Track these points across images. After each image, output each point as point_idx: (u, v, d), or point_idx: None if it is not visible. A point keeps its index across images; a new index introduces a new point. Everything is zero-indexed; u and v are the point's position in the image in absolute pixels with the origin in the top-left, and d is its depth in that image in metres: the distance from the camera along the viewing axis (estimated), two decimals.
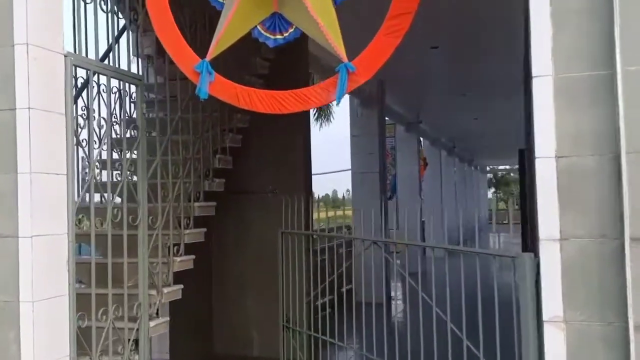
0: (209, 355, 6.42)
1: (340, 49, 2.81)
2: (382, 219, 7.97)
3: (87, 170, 3.20)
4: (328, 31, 2.80)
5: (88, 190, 3.20)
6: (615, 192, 2.20)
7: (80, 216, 3.10)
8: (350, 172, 10.06)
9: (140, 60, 4.07)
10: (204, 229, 4.41)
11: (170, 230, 3.99)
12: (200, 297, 6.14)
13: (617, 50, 2.19)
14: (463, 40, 7.35)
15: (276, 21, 2.92)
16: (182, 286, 4.05)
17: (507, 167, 37.56)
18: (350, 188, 10.17)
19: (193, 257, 4.22)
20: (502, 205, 43.07)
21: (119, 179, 3.44)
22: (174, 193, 4.01)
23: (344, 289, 4.35)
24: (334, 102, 2.87)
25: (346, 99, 9.80)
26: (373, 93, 9.27)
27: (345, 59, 2.81)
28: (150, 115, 4.19)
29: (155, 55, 4.44)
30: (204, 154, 4.42)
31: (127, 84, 3.54)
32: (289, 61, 5.65)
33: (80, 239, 3.32)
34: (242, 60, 4.71)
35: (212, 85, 2.99)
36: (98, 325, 3.16)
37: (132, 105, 3.86)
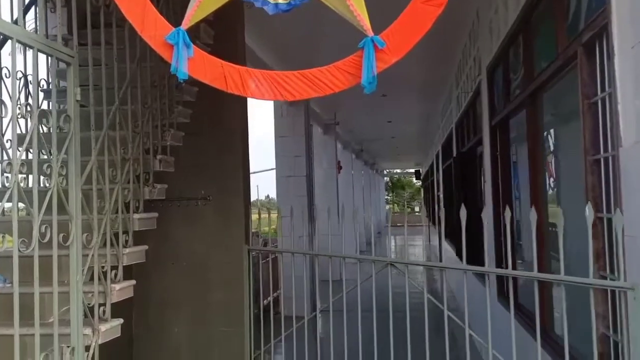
0: None
1: (364, 19, 2.21)
2: (311, 226, 7.42)
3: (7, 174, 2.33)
4: None
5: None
6: None
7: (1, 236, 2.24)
8: (271, 172, 9.44)
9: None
10: (145, 247, 3.59)
11: (106, 250, 3.15)
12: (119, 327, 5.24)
13: None
14: None
15: None
16: (121, 320, 3.23)
17: (403, 170, 38.59)
18: (271, 192, 9.53)
19: (133, 282, 3.41)
20: (392, 207, 44.40)
21: (47, 185, 2.59)
22: (111, 202, 3.18)
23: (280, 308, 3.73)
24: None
25: None
26: None
27: (370, 31, 2.21)
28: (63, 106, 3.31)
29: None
30: (143, 154, 3.60)
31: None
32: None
33: None
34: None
35: (191, 62, 2.27)
36: None
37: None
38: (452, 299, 8.19)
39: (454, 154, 8.52)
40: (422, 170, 27.22)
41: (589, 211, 2.09)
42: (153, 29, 2.27)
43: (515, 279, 4.21)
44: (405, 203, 43.78)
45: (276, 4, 2.27)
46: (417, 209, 43.32)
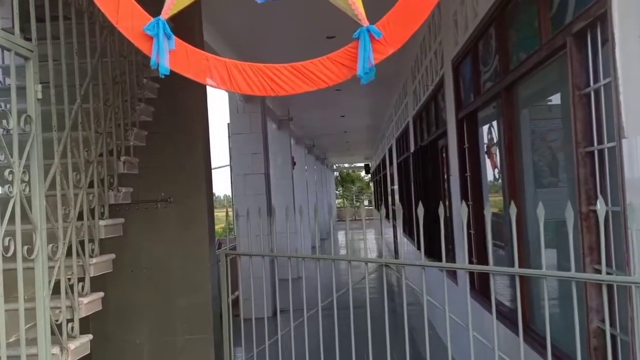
0: None
1: (359, 7, 2.10)
2: (270, 226, 7.32)
3: None
4: None
5: None
6: None
7: None
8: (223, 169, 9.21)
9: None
10: (112, 255, 3.37)
11: (72, 261, 2.92)
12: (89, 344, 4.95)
13: None
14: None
15: None
16: (91, 337, 3.02)
17: (351, 165, 38.80)
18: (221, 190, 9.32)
19: (102, 294, 3.19)
20: (341, 202, 44.65)
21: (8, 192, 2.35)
22: (76, 209, 2.94)
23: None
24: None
25: (221, 92, 8.89)
26: None
27: (366, 21, 2.10)
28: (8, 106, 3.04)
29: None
30: (107, 156, 3.36)
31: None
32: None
33: None
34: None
35: (172, 55, 2.10)
36: None
37: None
38: (412, 293, 8.24)
39: (412, 148, 8.54)
40: (372, 165, 27.43)
41: (600, 205, 2.05)
42: (130, 19, 2.08)
43: (484, 272, 4.23)
44: (354, 197, 44.10)
45: None
46: (366, 202, 43.71)
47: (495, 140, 4.34)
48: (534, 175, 3.43)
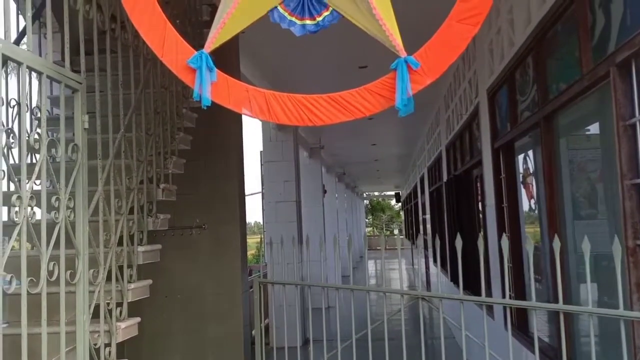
0: None
1: (396, 38, 2.13)
2: (302, 255, 7.27)
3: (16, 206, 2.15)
4: (380, 14, 2.11)
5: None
6: None
7: (9, 277, 2.05)
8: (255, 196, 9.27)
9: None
10: (149, 281, 3.41)
11: (112, 286, 2.97)
12: None
13: None
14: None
15: (305, 0, 2.17)
16: None
17: (381, 193, 38.66)
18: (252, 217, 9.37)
19: (138, 320, 3.22)
20: (371, 230, 44.35)
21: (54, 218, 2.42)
22: (117, 234, 3.00)
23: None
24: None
25: (255, 121, 9.02)
26: None
27: (403, 52, 2.12)
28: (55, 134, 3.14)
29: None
30: (147, 183, 3.43)
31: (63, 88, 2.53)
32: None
33: None
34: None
35: (214, 86, 2.15)
36: None
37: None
38: (446, 327, 8.11)
39: (445, 177, 8.48)
40: (403, 193, 27.27)
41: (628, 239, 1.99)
42: (174, 52, 2.15)
43: (524, 309, 4.12)
44: (384, 226, 43.78)
45: (303, 25, 2.17)
46: (395, 231, 43.34)
47: (531, 170, 4.28)
48: (572, 206, 3.37)
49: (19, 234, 2.14)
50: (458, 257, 2.29)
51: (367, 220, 44.68)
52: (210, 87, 2.14)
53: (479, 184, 6.11)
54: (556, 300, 2.32)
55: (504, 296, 3.99)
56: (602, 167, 2.88)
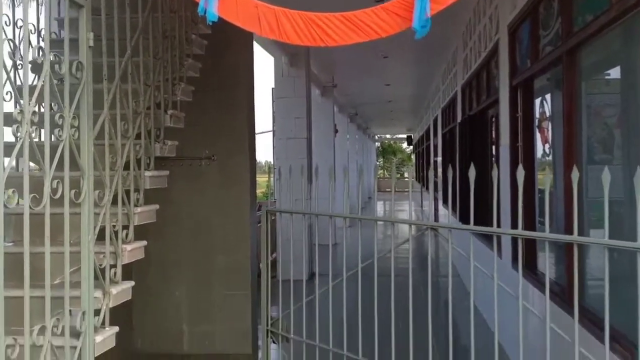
0: (131, 354, 5.37)
1: None
2: (310, 190, 7.26)
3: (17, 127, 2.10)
4: None
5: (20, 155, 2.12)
6: None
7: (11, 191, 2.02)
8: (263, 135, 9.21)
9: None
10: (156, 206, 3.40)
11: (118, 209, 2.96)
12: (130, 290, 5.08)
13: None
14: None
15: None
16: (132, 283, 3.07)
17: (393, 136, 38.43)
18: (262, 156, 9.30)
19: (144, 243, 3.23)
20: (382, 173, 44.34)
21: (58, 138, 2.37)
22: (123, 158, 2.97)
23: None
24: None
25: (267, 56, 8.84)
26: (300, 50, 8.40)
27: None
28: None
29: None
30: (154, 108, 3.37)
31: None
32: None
33: None
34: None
35: (221, 1, 2.04)
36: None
37: None
38: (453, 267, 8.16)
39: (459, 118, 8.33)
40: (415, 136, 27.06)
41: None
42: None
43: (534, 245, 4.10)
44: (395, 169, 43.72)
45: None
46: (406, 174, 43.30)
47: (547, 114, 4.16)
48: (588, 150, 3.28)
49: (20, 151, 2.10)
50: (470, 189, 2.23)
51: (378, 162, 44.63)
52: (217, 1, 2.03)
53: (493, 125, 5.98)
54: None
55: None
56: (627, 105, 2.77)
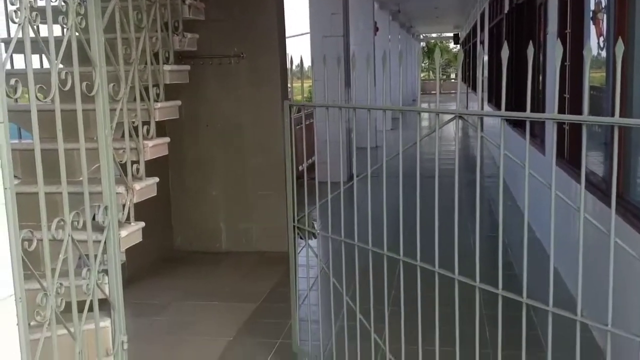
0: (170, 252, 5.55)
1: None
2: (348, 90, 7.01)
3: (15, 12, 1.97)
4: None
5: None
6: None
7: (13, 81, 1.94)
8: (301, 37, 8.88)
9: None
10: (178, 102, 3.31)
11: (136, 104, 2.88)
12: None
13: None
14: None
15: None
16: (157, 179, 3.03)
17: (440, 34, 36.82)
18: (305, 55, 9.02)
19: (167, 139, 3.16)
20: (427, 75, 42.98)
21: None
22: (138, 51, 2.84)
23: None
24: None
25: None
26: None
27: None
28: None
29: None
30: None
31: None
32: None
33: (12, 118, 2.22)
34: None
35: None
36: (50, 239, 2.14)
37: None
38: (494, 165, 7.92)
39: (506, 8, 7.76)
40: (462, 34, 25.80)
41: None
42: None
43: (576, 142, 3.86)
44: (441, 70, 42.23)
45: None
46: (452, 75, 41.85)
47: (603, 4, 3.77)
48: None
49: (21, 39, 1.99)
50: (503, 71, 2.01)
51: (423, 64, 43.12)
52: None
53: (541, 14, 5.53)
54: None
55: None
56: None
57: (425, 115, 15.33)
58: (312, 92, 10.06)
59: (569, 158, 4.06)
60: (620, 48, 1.60)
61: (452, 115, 2.21)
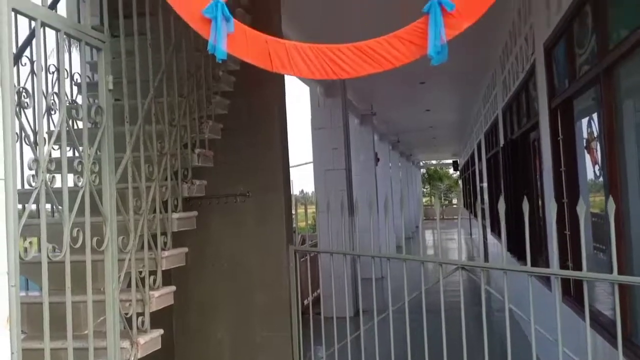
0: None
1: None
2: (351, 225, 7.08)
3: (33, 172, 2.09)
4: None
5: (36, 201, 2.10)
6: None
7: (28, 242, 2.00)
8: (304, 166, 9.17)
9: None
10: (185, 249, 3.35)
11: (144, 254, 2.92)
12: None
13: None
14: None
15: None
16: (161, 331, 2.98)
17: (439, 161, 37.89)
18: (304, 187, 9.22)
19: (173, 288, 3.17)
20: (429, 200, 43.61)
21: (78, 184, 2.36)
22: (148, 201, 2.94)
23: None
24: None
25: (304, 86, 8.86)
26: (335, 79, 8.38)
27: None
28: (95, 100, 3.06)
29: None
30: (181, 148, 3.36)
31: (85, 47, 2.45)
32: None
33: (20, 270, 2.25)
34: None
35: (231, 38, 1.99)
36: None
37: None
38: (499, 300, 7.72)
39: (501, 142, 8.08)
40: (460, 161, 26.58)
41: None
42: (188, 1, 2.00)
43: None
44: (442, 195, 42.97)
45: None
46: (454, 200, 42.46)
47: (595, 134, 3.95)
48: (638, 171, 3.06)
49: (37, 199, 2.08)
50: (525, 227, 2.05)
51: (424, 189, 43.94)
52: (227, 38, 1.98)
53: (536, 148, 5.75)
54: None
55: (561, 266, 3.73)
56: None
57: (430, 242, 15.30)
58: (316, 221, 10.21)
59: (575, 295, 4.01)
60: (611, 206, 1.67)
61: (455, 267, 2.23)
